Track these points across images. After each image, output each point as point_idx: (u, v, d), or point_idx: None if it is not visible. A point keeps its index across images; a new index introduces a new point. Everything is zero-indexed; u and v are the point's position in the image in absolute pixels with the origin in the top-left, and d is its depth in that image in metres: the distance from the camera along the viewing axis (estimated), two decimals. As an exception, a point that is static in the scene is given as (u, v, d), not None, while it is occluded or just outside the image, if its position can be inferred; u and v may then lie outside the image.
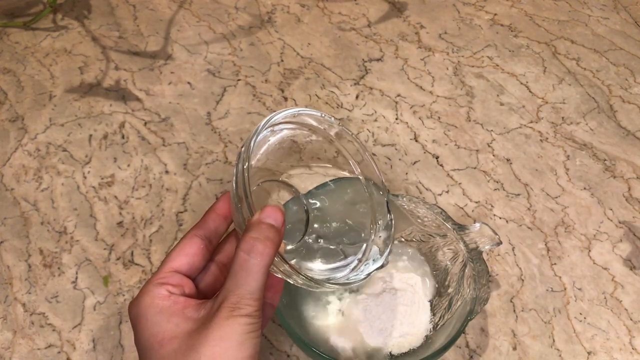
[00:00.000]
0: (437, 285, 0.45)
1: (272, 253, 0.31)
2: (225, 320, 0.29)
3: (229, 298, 0.30)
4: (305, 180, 0.43)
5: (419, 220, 0.46)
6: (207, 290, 0.35)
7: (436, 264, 0.46)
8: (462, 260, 0.43)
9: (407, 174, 0.56)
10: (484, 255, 0.47)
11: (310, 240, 0.42)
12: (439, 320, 0.43)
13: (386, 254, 0.40)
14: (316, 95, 0.64)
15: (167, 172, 0.56)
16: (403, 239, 0.48)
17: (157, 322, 0.31)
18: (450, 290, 0.44)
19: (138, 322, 0.32)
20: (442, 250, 0.45)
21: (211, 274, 0.36)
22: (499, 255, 0.50)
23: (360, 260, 0.41)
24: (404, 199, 0.45)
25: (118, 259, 0.50)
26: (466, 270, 0.42)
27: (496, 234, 0.43)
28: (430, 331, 0.43)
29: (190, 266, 0.34)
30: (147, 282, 0.33)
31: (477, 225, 0.44)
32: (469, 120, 0.62)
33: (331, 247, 0.42)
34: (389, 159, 0.58)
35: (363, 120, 0.61)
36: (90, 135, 0.60)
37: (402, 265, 0.46)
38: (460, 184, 0.56)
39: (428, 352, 0.40)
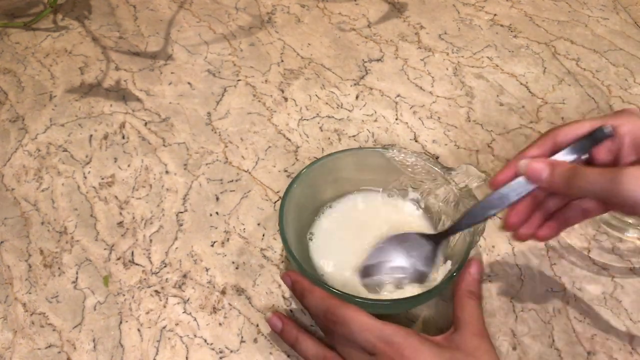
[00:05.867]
0: (432, 226, 0.49)
1: None
2: None
3: None
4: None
5: (409, 169, 0.49)
6: None
7: (430, 206, 0.49)
8: (454, 199, 0.47)
9: (407, 174, 0.57)
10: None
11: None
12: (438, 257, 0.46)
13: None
14: (316, 95, 0.64)
15: (167, 172, 0.56)
16: (395, 189, 0.51)
17: None
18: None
19: None
20: (434, 193, 0.49)
21: None
22: (498, 255, 0.50)
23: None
24: (394, 150, 0.49)
25: (118, 259, 0.50)
26: (459, 208, 0.46)
27: (482, 172, 0.46)
28: (430, 268, 0.45)
29: None
30: None
31: (463, 166, 0.47)
32: (469, 121, 0.62)
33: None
34: (389, 159, 0.58)
35: (363, 121, 0.61)
36: (91, 136, 0.60)
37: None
38: (460, 184, 0.56)
39: (430, 286, 0.43)
